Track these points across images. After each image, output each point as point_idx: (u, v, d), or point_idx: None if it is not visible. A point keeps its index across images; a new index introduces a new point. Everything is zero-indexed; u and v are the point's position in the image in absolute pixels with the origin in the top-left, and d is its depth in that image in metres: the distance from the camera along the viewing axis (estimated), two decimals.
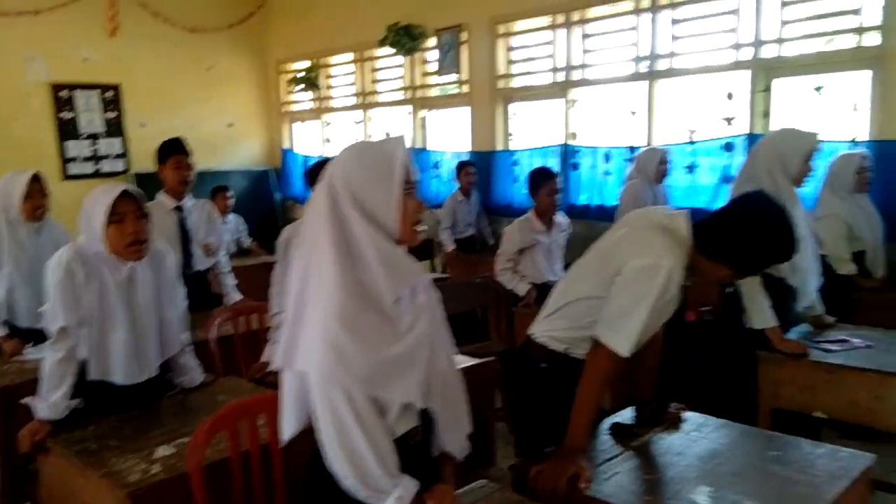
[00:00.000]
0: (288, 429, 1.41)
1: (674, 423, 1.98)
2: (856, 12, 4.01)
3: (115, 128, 6.88)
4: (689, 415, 2.05)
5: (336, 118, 7.51)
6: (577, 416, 1.75)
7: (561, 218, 3.62)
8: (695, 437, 1.92)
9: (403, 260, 1.39)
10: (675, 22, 4.80)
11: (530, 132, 5.86)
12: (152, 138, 7.13)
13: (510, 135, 5.98)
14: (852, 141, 4.07)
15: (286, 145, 8.14)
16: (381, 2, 6.55)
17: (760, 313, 2.64)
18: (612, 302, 1.79)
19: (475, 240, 5.85)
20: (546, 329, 2.00)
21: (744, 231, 1.81)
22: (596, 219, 5.14)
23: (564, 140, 5.47)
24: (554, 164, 5.49)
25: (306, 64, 7.58)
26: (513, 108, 5.93)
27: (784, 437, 1.92)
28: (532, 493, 1.67)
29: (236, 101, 7.89)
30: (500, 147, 5.97)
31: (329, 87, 7.48)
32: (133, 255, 1.97)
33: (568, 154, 5.42)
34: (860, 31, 4.02)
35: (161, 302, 2.11)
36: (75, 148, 6.64)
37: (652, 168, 4.41)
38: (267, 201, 7.97)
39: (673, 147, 4.82)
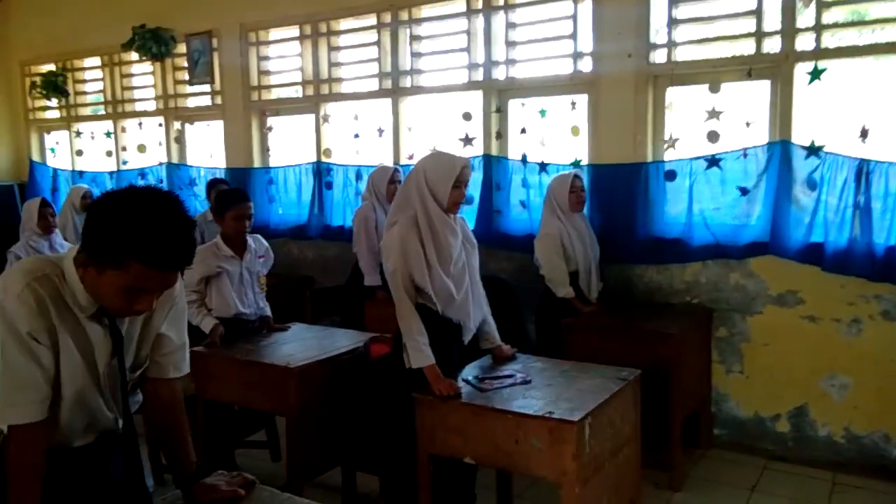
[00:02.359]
0: None
1: None
2: (572, 37, 4.06)
3: None
4: None
5: (88, 128, 6.72)
6: None
7: (255, 243, 3.29)
8: None
9: None
10: (414, 39, 4.67)
11: (288, 148, 5.52)
12: None
13: (268, 150, 5.60)
14: (575, 163, 4.11)
15: (35, 157, 7.20)
16: (130, 1, 5.94)
17: (417, 351, 2.47)
18: None
19: None
20: None
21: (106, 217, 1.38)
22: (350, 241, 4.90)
23: (317, 157, 5.18)
24: (309, 182, 5.19)
25: (52, 67, 6.74)
26: (271, 122, 5.56)
27: None
28: None
29: None
30: (256, 164, 5.57)
31: (77, 93, 6.69)
32: None
33: (321, 172, 5.13)
34: (576, 56, 4.07)
35: None
36: None
37: (383, 189, 4.21)
38: (12, 219, 6.98)
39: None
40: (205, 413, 3.11)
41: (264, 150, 5.59)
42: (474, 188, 4.44)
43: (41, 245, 4.08)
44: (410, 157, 4.78)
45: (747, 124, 3.61)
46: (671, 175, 3.81)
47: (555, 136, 4.22)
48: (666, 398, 3.30)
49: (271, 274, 3.50)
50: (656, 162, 3.88)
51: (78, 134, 6.78)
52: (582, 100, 4.10)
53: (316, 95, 5.14)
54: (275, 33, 5.38)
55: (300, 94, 5.25)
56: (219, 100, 5.68)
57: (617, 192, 3.96)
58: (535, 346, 3.85)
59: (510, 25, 4.28)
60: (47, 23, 6.68)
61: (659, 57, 3.84)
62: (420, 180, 2.55)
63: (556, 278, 3.69)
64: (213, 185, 5.25)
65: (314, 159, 5.19)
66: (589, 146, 4.09)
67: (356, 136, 4.98)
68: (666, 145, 3.89)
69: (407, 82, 4.72)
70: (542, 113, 4.20)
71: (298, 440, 2.75)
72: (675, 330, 3.31)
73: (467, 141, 4.49)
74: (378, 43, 4.79)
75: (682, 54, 3.81)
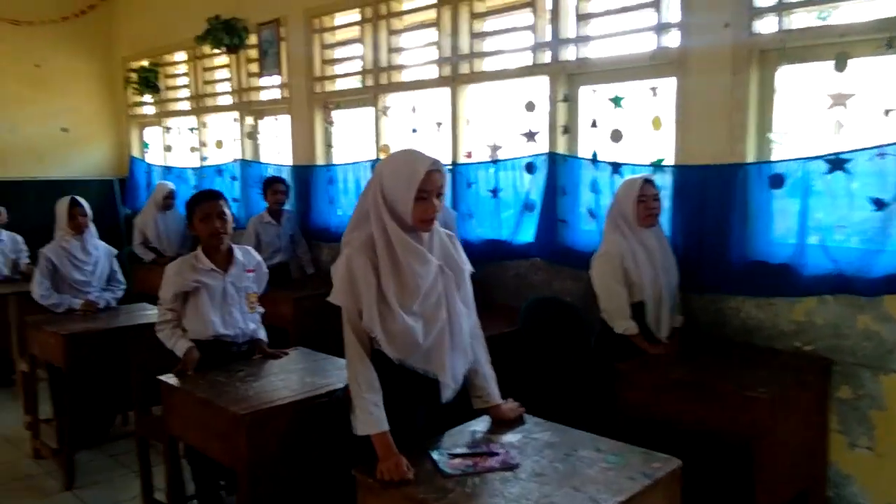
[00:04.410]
0: None
1: None
2: (655, 5, 3.24)
3: None
4: None
5: (175, 123, 6.70)
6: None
7: (244, 256, 2.81)
8: None
9: None
10: (475, 17, 4.03)
11: (348, 144, 5.08)
12: None
13: (331, 146, 5.19)
14: (655, 163, 3.29)
15: (135, 153, 7.33)
16: None
17: (365, 413, 1.88)
18: None
19: (288, 268, 5.04)
20: None
21: None
22: None
23: (376, 154, 4.69)
24: (364, 181, 4.70)
25: (147, 63, 6.79)
26: (333, 116, 5.15)
27: None
28: None
29: (73, 103, 7.08)
30: (320, 161, 5.18)
31: (167, 88, 6.68)
32: None
33: None
34: (660, 29, 3.24)
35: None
36: None
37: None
38: (112, 215, 7.14)
39: (473, 166, 4.06)
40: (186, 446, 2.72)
41: (327, 145, 5.18)
42: (536, 192, 3.74)
43: (73, 246, 3.89)
44: (468, 156, 4.16)
45: (886, 113, 2.63)
46: (779, 180, 2.90)
47: (632, 130, 3.42)
48: (749, 479, 2.46)
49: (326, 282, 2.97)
50: (760, 163, 2.98)
51: (167, 129, 6.79)
52: (665, 85, 3.27)
53: (375, 86, 4.64)
54: (338, 18, 4.95)
55: (360, 85, 4.78)
56: (286, 92, 5.35)
57: (707, 201, 3.10)
58: (589, 392, 3.11)
59: None
60: (146, 17, 6.73)
61: (766, 26, 2.94)
62: (376, 190, 1.94)
63: (612, 309, 2.92)
64: (269, 183, 4.93)
65: (373, 157, 4.70)
66: (675, 142, 3.25)
67: (414, 130, 4.43)
68: (773, 142, 2.99)
69: (466, 68, 4.09)
70: (617, 101, 3.41)
71: (247, 500, 2.24)
72: (767, 390, 2.44)
73: (530, 136, 3.79)
74: (438, 24, 4.20)
75: (797, 21, 2.89)
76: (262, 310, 2.98)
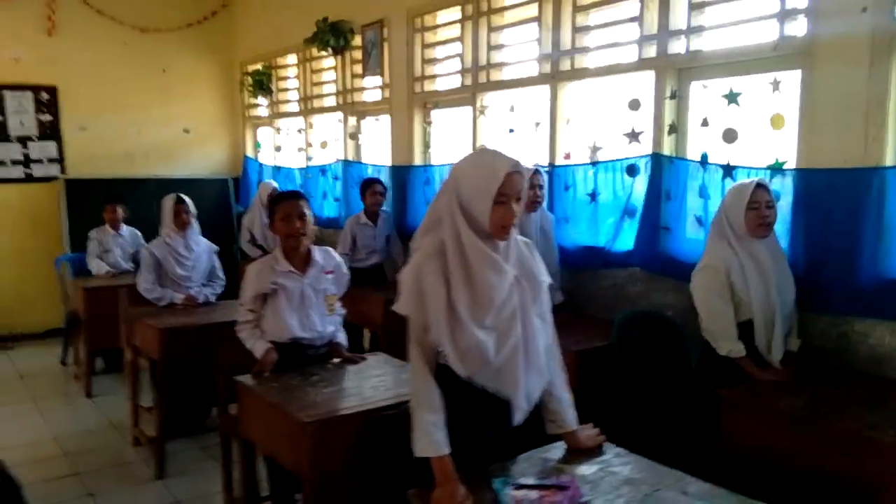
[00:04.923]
0: None
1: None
2: None
3: (49, 131, 6.58)
4: None
5: (285, 124, 6.89)
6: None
7: (324, 257, 2.76)
8: None
9: None
10: (578, 10, 3.80)
11: (447, 145, 4.98)
12: (92, 142, 6.98)
13: (429, 147, 5.12)
14: (775, 166, 2.95)
15: (249, 152, 7.62)
16: None
17: (423, 435, 1.74)
18: None
19: (383, 269, 5.03)
20: None
21: None
22: None
23: None
24: None
25: (261, 66, 7.02)
26: (432, 116, 5.07)
27: None
28: None
29: (195, 106, 7.44)
30: (417, 161, 5.12)
31: (279, 90, 6.88)
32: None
33: None
34: (784, 16, 2.89)
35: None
36: (3, 151, 6.38)
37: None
38: (225, 213, 7.46)
39: (570, 168, 3.84)
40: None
41: (426, 146, 5.11)
42: (637, 196, 3.47)
43: (177, 242, 4.03)
44: (567, 157, 3.93)
45: None
46: None
47: (748, 130, 3.08)
48: None
49: None
50: None
51: (278, 130, 6.99)
52: (789, 78, 2.91)
53: (474, 84, 4.51)
54: (440, 16, 4.87)
55: (459, 84, 4.67)
56: (387, 93, 5.33)
57: (834, 209, 2.73)
58: (688, 420, 2.82)
59: None
60: (262, 21, 6.96)
61: None
62: (451, 193, 1.80)
63: (716, 329, 2.62)
64: (367, 185, 4.92)
65: None
66: (798, 143, 2.90)
67: (511, 130, 4.26)
68: None
69: (567, 64, 3.87)
70: (732, 97, 3.08)
71: None
72: (894, 434, 2.09)
73: (633, 136, 3.51)
74: (539, 19, 4.00)
75: None
76: (343, 311, 2.92)
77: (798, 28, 2.86)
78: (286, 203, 2.69)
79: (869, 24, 2.62)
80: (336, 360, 2.80)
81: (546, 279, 1.93)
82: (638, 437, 3.11)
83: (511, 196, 1.74)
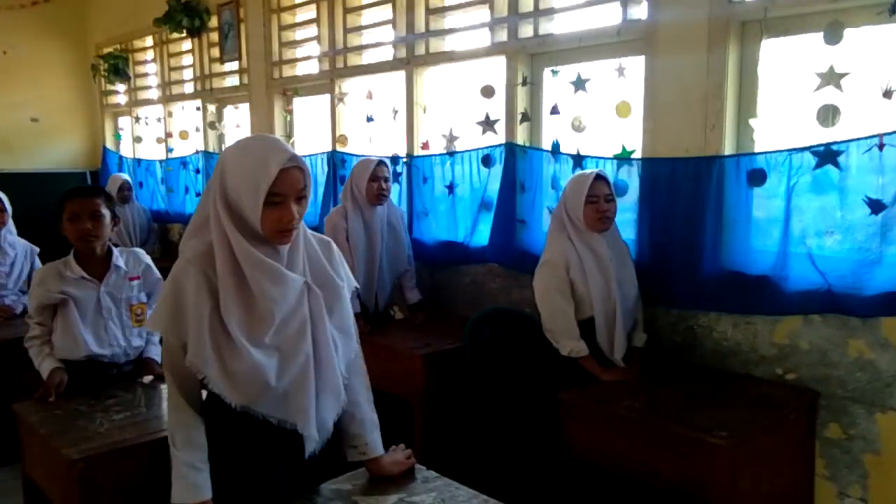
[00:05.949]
0: None
1: None
2: None
3: None
4: None
5: (144, 113, 6.36)
6: None
7: (129, 261, 2.42)
8: None
9: None
10: None
11: (308, 135, 4.68)
12: None
13: (291, 138, 4.79)
14: (622, 154, 2.84)
15: (109, 144, 7.01)
16: None
17: (179, 478, 1.47)
18: None
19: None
20: None
21: None
22: None
23: (332, 146, 4.28)
24: (324, 175, 4.30)
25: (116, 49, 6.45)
26: (295, 104, 4.75)
27: None
28: None
29: (44, 92, 6.75)
30: None
31: (136, 75, 6.33)
32: None
33: (336, 163, 4.22)
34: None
35: None
36: None
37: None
38: None
39: (428, 159, 3.64)
40: None
41: (287, 137, 4.78)
42: (493, 188, 3.31)
43: None
44: (425, 146, 3.73)
45: (887, 94, 2.15)
46: (759, 176, 2.43)
47: (597, 117, 2.96)
48: None
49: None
50: (737, 156, 2.52)
51: (137, 119, 6.45)
52: (633, 64, 2.81)
53: (331, 70, 4.23)
54: None
55: (318, 70, 4.38)
56: (245, 78, 4.97)
57: (677, 200, 2.65)
58: (533, 424, 2.68)
59: None
60: (123, 2, 6.37)
61: None
62: (215, 188, 1.52)
63: (556, 328, 2.48)
64: None
65: (329, 149, 4.29)
66: (643, 131, 2.80)
67: (369, 119, 4.01)
68: (755, 131, 2.52)
69: (422, 49, 3.66)
70: (580, 83, 2.95)
71: None
72: (728, 433, 1.99)
73: (489, 125, 3.34)
74: (393, 0, 3.77)
75: None
76: None
77: (641, 12, 2.76)
78: (74, 201, 2.33)
79: (706, 9, 2.53)
80: (147, 378, 2.46)
81: (348, 283, 1.69)
82: (482, 442, 2.97)
83: (289, 195, 1.48)
